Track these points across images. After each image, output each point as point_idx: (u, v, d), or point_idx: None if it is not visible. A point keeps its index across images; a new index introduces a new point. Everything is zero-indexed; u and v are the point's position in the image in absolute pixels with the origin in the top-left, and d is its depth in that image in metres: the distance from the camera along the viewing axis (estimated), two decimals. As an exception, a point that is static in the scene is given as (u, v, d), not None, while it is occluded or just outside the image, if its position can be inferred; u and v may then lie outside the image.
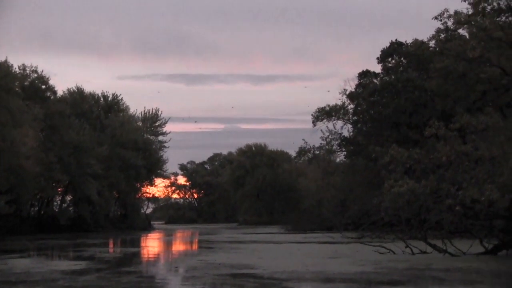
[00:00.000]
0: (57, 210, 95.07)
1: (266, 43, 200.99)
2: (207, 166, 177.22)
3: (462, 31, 43.23)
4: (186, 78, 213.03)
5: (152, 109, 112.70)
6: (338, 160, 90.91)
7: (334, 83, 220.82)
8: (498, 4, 36.49)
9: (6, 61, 69.76)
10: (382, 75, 77.06)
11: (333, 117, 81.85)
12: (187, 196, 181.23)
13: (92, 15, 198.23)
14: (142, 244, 65.81)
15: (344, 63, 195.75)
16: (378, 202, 44.79)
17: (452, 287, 22.52)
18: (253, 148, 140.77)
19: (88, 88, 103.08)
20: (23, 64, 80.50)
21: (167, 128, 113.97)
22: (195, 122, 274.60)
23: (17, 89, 73.05)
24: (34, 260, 38.52)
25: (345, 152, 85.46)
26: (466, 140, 40.74)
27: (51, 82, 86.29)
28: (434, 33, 45.20)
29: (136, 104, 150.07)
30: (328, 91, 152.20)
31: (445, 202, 36.99)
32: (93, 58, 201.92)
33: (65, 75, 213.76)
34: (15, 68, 74.93)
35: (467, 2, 36.97)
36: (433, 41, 52.60)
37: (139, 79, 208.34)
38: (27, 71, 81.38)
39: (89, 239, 68.73)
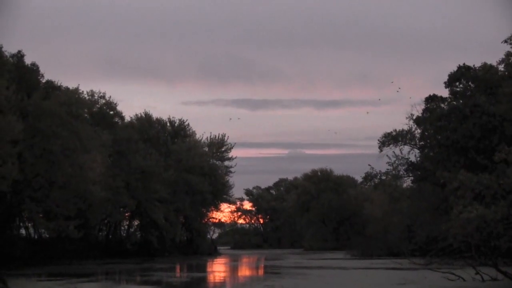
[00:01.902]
0: (124, 234, 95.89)
1: (330, 68, 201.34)
2: (272, 191, 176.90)
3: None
4: (250, 103, 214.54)
5: (219, 134, 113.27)
6: (404, 185, 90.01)
7: (398, 108, 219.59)
8: None
9: (77, 88, 70.74)
10: (449, 100, 76.14)
11: (400, 142, 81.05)
12: (252, 221, 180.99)
13: (156, 42, 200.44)
14: (208, 269, 65.83)
15: (409, 88, 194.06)
16: (447, 228, 44.11)
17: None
18: (319, 173, 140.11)
19: (154, 113, 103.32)
20: (92, 90, 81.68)
21: (233, 153, 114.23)
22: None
23: (86, 115, 73.96)
24: (102, 285, 38.85)
25: (412, 178, 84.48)
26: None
27: (118, 108, 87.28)
28: (503, 56, 44.39)
29: (201, 129, 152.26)
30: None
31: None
32: (158, 84, 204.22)
33: (131, 101, 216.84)
34: (84, 94, 75.95)
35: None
36: (503, 65, 51.77)
37: (203, 105, 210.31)
38: (96, 97, 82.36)
39: (155, 263, 69.04)
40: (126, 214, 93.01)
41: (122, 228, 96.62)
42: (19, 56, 66.92)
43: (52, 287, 35.57)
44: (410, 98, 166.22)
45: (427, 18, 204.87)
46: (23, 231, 74.14)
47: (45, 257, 65.07)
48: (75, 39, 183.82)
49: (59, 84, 69.01)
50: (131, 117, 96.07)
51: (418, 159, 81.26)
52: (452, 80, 75.73)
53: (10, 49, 67.07)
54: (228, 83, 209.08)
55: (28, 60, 67.79)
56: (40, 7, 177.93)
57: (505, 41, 37.60)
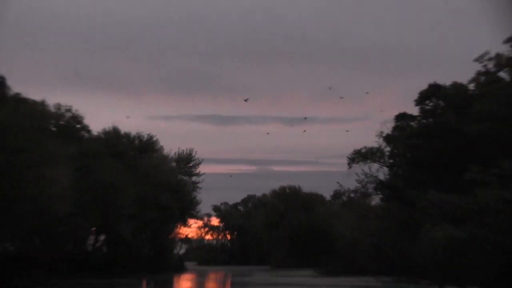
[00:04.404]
0: (90, 250, 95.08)
1: (298, 84, 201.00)
2: (240, 207, 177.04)
3: (503, 74, 42.44)
4: (217, 119, 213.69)
5: (186, 149, 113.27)
6: (373, 203, 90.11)
7: (369, 126, 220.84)
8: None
9: (43, 101, 70.21)
10: (419, 118, 76.51)
11: (369, 160, 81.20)
12: (220, 237, 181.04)
13: (124, 55, 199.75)
14: (175, 285, 65.57)
15: (380, 105, 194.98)
16: (414, 247, 44.21)
17: None
18: (287, 190, 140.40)
19: (121, 127, 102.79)
20: (58, 103, 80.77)
21: (200, 169, 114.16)
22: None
23: (52, 127, 73.43)
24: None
25: (380, 196, 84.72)
26: (507, 185, 40.04)
27: (85, 122, 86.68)
28: (474, 75, 44.50)
29: (168, 144, 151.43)
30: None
31: (484, 248, 36.30)
32: (124, 98, 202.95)
33: (97, 114, 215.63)
34: (50, 107, 75.26)
35: (509, 44, 36.39)
36: (473, 84, 51.91)
37: (170, 119, 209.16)
38: (62, 110, 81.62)
39: (122, 279, 68.56)
40: (92, 229, 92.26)
41: (88, 243, 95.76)
42: (-15, 68, 66.38)
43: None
44: (382, 111, 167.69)
45: (398, 36, 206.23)
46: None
47: (8, 273, 64.25)
48: (42, 51, 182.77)
49: (25, 97, 68.38)
50: (98, 132, 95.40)
51: (387, 177, 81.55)
52: (422, 98, 76.04)
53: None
54: (195, 98, 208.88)
55: (-6, 73, 67.21)
56: (6, 19, 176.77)
57: (476, 60, 37.67)
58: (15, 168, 60.86)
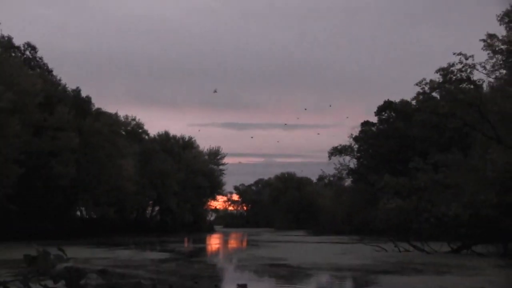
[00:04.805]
0: (148, 217, 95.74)
1: (293, 99, 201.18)
2: (253, 187, 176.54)
3: (435, 94, 42.99)
4: (237, 126, 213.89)
5: (215, 147, 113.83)
6: (346, 184, 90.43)
7: (341, 130, 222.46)
8: (461, 75, 36.38)
9: (116, 113, 70.89)
10: (378, 125, 77.03)
11: (343, 154, 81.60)
12: (239, 208, 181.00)
13: (171, 80, 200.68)
14: (207, 242, 65.90)
15: (351, 116, 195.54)
16: (375, 215, 44.62)
17: (428, 276, 22.35)
18: (286, 176, 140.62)
19: (169, 131, 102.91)
20: (126, 115, 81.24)
21: (225, 160, 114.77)
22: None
23: (122, 132, 74.04)
24: (133, 251, 38.94)
25: (351, 179, 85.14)
26: (438, 171, 40.55)
27: (145, 127, 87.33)
28: (415, 95, 45.04)
29: (201, 143, 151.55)
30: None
31: (423, 215, 36.77)
32: (172, 111, 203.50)
33: (151, 123, 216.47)
34: (121, 117, 75.87)
35: (439, 73, 36.86)
36: (414, 101, 52.38)
37: (203, 126, 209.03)
38: (129, 119, 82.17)
39: (170, 237, 69.02)
40: (150, 202, 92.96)
41: (147, 212, 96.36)
42: (77, 91, 66.84)
43: (98, 253, 35.64)
44: (347, 117, 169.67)
45: (361, 64, 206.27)
46: (78, 213, 73.93)
47: (93, 232, 64.95)
48: (115, 78, 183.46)
49: (104, 111, 69.02)
50: (154, 134, 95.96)
51: (356, 165, 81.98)
52: (379, 110, 76.69)
53: (71, 86, 67.50)
54: (221, 111, 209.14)
55: (83, 94, 67.88)
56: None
57: (417, 84, 38.24)
58: (98, 159, 61.65)
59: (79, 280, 3.49)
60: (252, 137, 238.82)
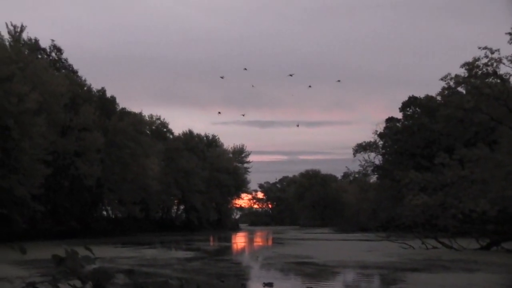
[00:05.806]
0: (173, 215, 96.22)
1: (316, 98, 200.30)
2: (278, 185, 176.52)
3: (460, 89, 42.45)
4: (260, 123, 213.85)
5: (239, 145, 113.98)
6: (371, 181, 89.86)
7: (364, 127, 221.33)
8: (487, 69, 35.96)
9: (141, 112, 71.34)
10: (402, 120, 76.44)
11: (368, 150, 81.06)
12: (263, 206, 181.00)
13: (195, 79, 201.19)
14: (233, 240, 65.97)
15: (372, 112, 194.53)
16: (401, 211, 44.29)
17: (457, 274, 22.11)
18: (310, 172, 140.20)
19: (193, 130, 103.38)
20: (151, 114, 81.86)
21: (249, 158, 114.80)
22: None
23: (147, 131, 74.45)
24: (158, 250, 39.10)
25: (376, 175, 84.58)
26: (464, 167, 40.11)
27: (169, 126, 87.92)
28: (440, 90, 44.45)
29: (226, 141, 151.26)
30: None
31: (450, 211, 36.42)
32: (195, 109, 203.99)
33: (175, 121, 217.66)
34: (146, 117, 76.32)
35: (464, 68, 36.47)
36: (439, 96, 51.81)
37: (227, 124, 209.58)
38: (153, 119, 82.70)
39: (195, 236, 69.28)
40: (175, 201, 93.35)
41: (172, 211, 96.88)
42: (102, 91, 67.50)
43: (124, 252, 35.86)
44: (370, 114, 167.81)
45: (385, 61, 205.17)
46: (104, 213, 74.59)
47: (118, 231, 65.47)
48: (140, 78, 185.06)
49: (129, 110, 69.51)
50: (178, 133, 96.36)
51: (381, 162, 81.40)
52: (404, 106, 76.11)
53: (96, 86, 68.11)
54: (244, 110, 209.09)
55: (108, 94, 68.46)
56: (116, 57, 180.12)
57: (441, 79, 37.83)
58: (123, 159, 62.10)
59: (107, 282, 3.49)
60: (274, 135, 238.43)
